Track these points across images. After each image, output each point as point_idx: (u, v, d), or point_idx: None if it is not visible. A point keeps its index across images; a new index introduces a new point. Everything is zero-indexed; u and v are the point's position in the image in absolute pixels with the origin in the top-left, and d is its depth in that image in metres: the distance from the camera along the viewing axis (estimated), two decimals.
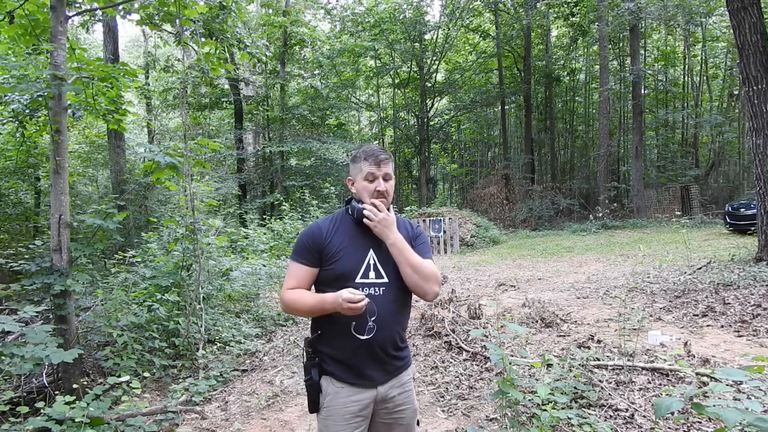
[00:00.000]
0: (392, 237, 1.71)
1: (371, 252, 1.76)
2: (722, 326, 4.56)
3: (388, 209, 1.78)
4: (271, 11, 19.74)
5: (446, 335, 4.71)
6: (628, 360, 3.63)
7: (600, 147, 18.91)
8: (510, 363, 2.57)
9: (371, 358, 1.72)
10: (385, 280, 1.73)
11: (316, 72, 22.20)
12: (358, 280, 1.71)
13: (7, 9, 4.32)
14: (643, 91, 20.28)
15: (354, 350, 1.71)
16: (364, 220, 1.72)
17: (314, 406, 1.77)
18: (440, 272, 9.07)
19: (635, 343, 3.92)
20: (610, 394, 3.18)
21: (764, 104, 6.58)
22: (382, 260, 1.74)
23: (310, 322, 1.84)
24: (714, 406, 1.50)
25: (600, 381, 3.34)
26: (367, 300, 1.60)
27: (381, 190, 1.75)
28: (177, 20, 5.31)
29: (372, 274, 1.74)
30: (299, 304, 1.72)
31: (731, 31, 7.44)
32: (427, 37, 22.70)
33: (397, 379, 1.79)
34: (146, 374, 4.27)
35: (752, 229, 8.32)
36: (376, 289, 1.73)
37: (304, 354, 1.79)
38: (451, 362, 4.19)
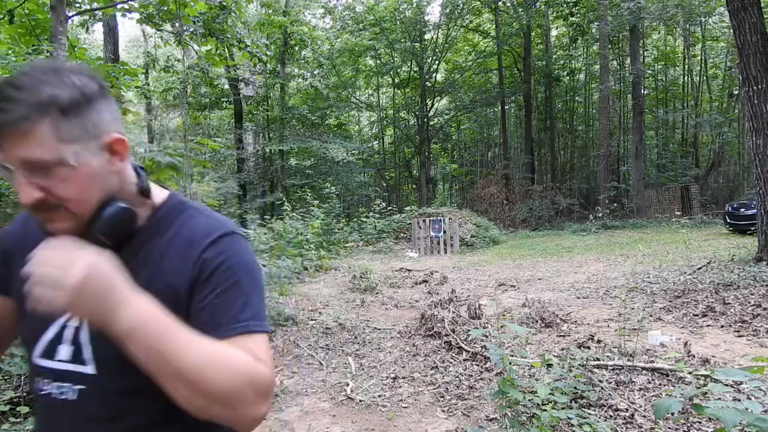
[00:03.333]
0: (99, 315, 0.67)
1: None
2: (722, 326, 4.56)
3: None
4: (271, 11, 19.74)
5: (446, 335, 4.71)
6: (628, 360, 3.63)
7: (600, 147, 18.91)
8: (510, 363, 2.58)
9: None
10: (90, 371, 0.78)
11: (316, 72, 22.22)
12: (37, 359, 0.81)
13: (7, 8, 4.32)
14: (642, 91, 20.28)
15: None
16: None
17: None
18: (440, 271, 8.79)
19: (635, 343, 3.92)
20: (610, 394, 3.18)
21: (764, 104, 6.58)
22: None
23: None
24: (713, 406, 1.50)
25: (600, 381, 3.35)
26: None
27: (26, 203, 0.70)
28: (177, 20, 5.32)
29: (64, 351, 0.79)
30: None
31: (731, 31, 7.44)
32: (427, 36, 22.73)
33: None
34: None
35: (752, 229, 8.31)
36: (69, 388, 0.78)
37: None
38: (451, 362, 4.19)
